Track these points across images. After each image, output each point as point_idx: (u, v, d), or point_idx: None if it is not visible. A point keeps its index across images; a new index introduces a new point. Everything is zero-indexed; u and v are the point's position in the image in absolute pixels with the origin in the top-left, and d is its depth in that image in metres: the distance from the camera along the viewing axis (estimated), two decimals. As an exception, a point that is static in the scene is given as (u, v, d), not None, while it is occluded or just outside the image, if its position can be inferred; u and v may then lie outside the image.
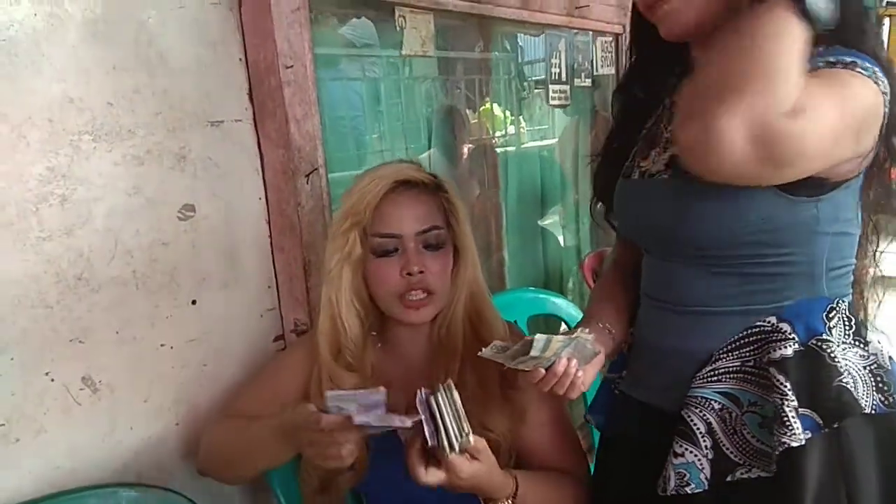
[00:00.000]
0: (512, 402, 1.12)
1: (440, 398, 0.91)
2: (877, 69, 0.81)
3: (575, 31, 2.30)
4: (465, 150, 2.22)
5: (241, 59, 1.31)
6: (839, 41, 0.84)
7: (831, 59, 0.80)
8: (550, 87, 2.29)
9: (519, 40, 2.30)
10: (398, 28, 1.64)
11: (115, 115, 1.14)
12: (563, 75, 2.33)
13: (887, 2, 8.00)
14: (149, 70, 1.19)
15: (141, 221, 1.18)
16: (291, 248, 1.34)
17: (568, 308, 1.92)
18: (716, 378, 0.91)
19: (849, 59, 0.80)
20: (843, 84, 0.78)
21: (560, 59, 2.30)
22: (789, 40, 0.72)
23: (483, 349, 0.98)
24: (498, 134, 2.33)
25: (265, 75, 1.29)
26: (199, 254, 1.26)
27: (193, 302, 1.26)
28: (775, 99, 0.69)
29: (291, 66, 1.28)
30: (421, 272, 1.10)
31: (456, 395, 0.91)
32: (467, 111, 2.20)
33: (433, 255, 1.12)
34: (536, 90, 2.37)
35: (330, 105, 1.66)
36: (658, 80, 1.04)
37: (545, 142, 2.68)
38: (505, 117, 2.36)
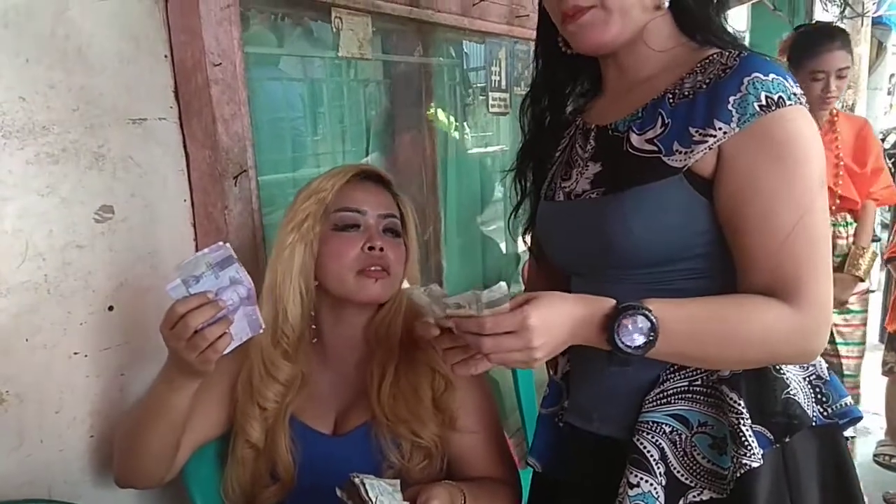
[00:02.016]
0: (443, 409, 1.11)
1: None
2: (787, 77, 0.81)
3: (515, 40, 2.31)
4: (413, 153, 2.20)
5: (166, 56, 1.27)
6: (708, 37, 0.88)
7: (753, 101, 0.79)
8: (491, 94, 2.29)
9: (464, 47, 2.31)
10: (334, 29, 1.61)
11: (28, 110, 1.08)
12: (504, 83, 2.33)
13: (816, 21, 8.38)
14: (66, 64, 1.13)
15: (54, 223, 1.12)
16: (217, 253, 1.29)
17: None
18: (665, 400, 0.89)
19: (774, 94, 0.79)
20: (798, 179, 0.79)
21: (500, 67, 2.31)
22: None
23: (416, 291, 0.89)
24: (449, 137, 2.33)
25: (192, 73, 1.25)
26: (118, 257, 1.21)
27: (110, 308, 1.20)
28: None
29: (220, 65, 1.24)
30: (382, 249, 1.11)
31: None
32: (418, 114, 2.18)
33: (391, 241, 1.14)
34: (481, 97, 2.37)
35: (267, 105, 1.62)
36: (564, 94, 1.04)
37: (490, 148, 2.68)
38: (449, 122, 2.36)
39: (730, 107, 0.80)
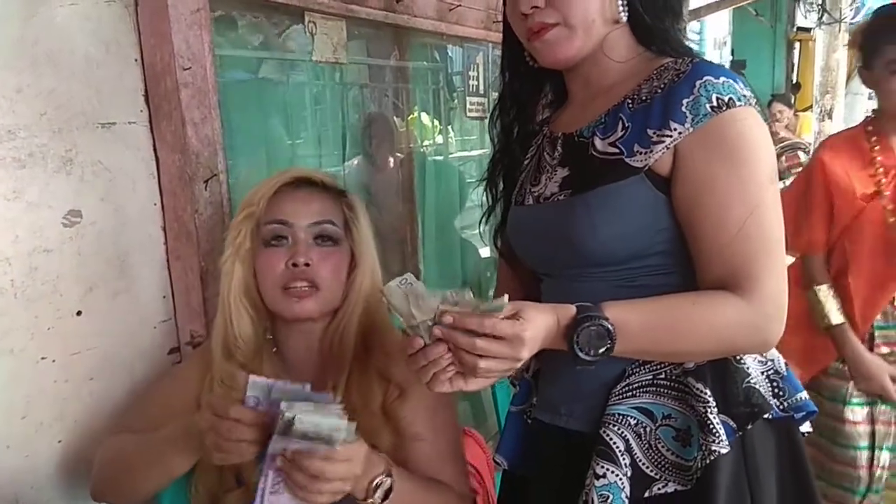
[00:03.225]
0: (392, 416, 1.10)
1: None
2: (737, 80, 0.85)
3: (493, 44, 2.32)
4: (391, 158, 2.21)
5: (136, 60, 1.27)
6: (663, 46, 0.92)
7: (705, 103, 0.83)
8: (468, 98, 2.30)
9: (448, 51, 2.31)
10: (308, 34, 1.61)
11: (-6, 115, 1.08)
12: (481, 88, 2.34)
13: (798, 27, 8.48)
14: (34, 69, 1.13)
15: (21, 227, 1.12)
16: (188, 257, 1.30)
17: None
18: (630, 393, 0.91)
19: (724, 96, 0.83)
20: (749, 177, 0.83)
21: (478, 72, 2.32)
22: None
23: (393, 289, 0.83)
24: (426, 143, 2.33)
25: (161, 77, 1.25)
26: (86, 262, 1.20)
27: (79, 313, 1.20)
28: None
29: (189, 68, 1.24)
30: (307, 264, 1.07)
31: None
32: (395, 119, 2.19)
33: (324, 250, 1.10)
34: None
35: (243, 108, 1.61)
36: (531, 105, 1.07)
37: (473, 152, 2.69)
38: (433, 126, 2.36)
39: (683, 108, 0.84)
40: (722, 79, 0.84)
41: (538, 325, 0.79)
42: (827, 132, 5.29)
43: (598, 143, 0.92)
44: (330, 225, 1.11)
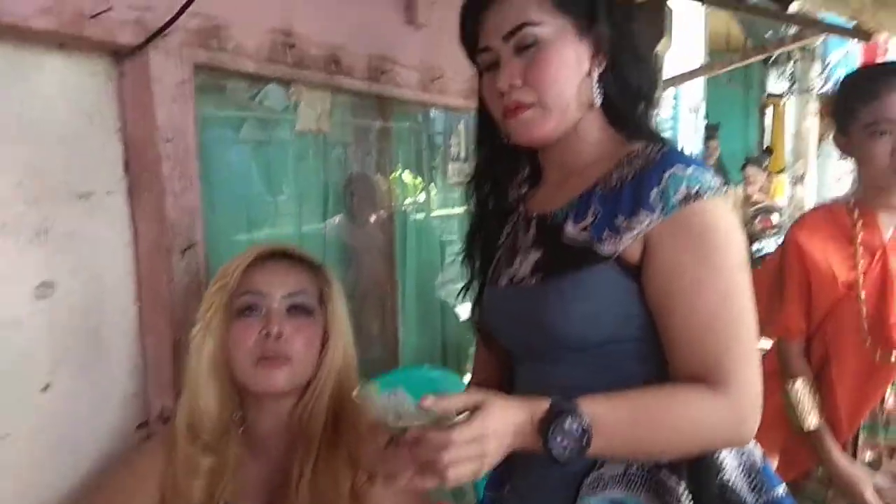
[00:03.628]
0: (364, 501, 1.06)
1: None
2: (704, 170, 0.86)
3: (474, 112, 2.35)
4: (373, 216, 2.21)
5: (118, 131, 1.26)
6: (635, 131, 0.95)
7: (673, 193, 0.84)
8: (450, 165, 2.32)
9: (431, 112, 2.34)
10: (291, 105, 1.63)
11: (-34, 185, 1.06)
12: (462, 154, 2.37)
13: (769, 93, 8.77)
14: (14, 139, 1.12)
15: (-10, 299, 1.09)
16: (162, 329, 1.27)
17: (462, 387, 1.90)
18: (601, 484, 0.90)
19: (693, 187, 0.84)
20: (719, 267, 0.84)
21: (460, 139, 2.35)
22: None
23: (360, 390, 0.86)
24: (408, 201, 2.34)
25: (143, 148, 1.25)
26: (57, 334, 1.18)
27: (46, 387, 1.16)
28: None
29: (171, 140, 1.24)
30: (280, 335, 1.06)
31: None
32: (378, 177, 2.20)
33: (298, 322, 1.09)
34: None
35: (223, 166, 1.60)
36: (506, 181, 1.08)
37: (456, 210, 2.68)
38: (415, 184, 2.37)
39: (653, 197, 0.85)
40: (691, 169, 0.86)
41: (505, 419, 0.77)
42: (800, 196, 5.42)
43: (569, 228, 0.93)
44: (304, 297, 1.11)
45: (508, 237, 1.06)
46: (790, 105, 5.55)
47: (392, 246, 2.21)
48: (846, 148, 1.53)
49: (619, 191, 0.89)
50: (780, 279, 1.58)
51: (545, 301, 0.91)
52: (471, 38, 0.97)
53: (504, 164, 1.07)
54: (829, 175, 7.46)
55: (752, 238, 5.99)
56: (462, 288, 1.13)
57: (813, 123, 5.50)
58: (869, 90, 1.45)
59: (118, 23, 1.15)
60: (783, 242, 1.62)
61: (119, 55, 1.23)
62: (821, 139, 6.65)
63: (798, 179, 5.41)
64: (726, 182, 8.25)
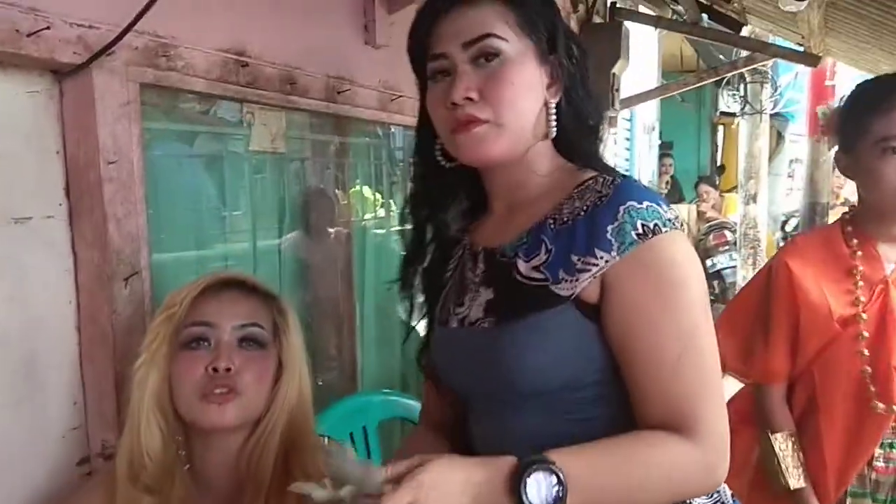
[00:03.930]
0: None
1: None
2: (661, 203, 0.84)
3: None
4: (331, 232, 2.16)
5: (58, 152, 1.20)
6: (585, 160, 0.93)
7: (630, 230, 0.81)
8: (408, 184, 2.29)
9: (391, 127, 2.30)
10: (245, 124, 1.58)
11: None
12: (422, 174, 2.34)
13: (721, 111, 9.00)
14: (-57, 160, 1.06)
15: (-87, 333, 1.02)
16: (103, 361, 1.21)
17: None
18: None
19: (649, 222, 0.81)
20: (680, 306, 0.81)
21: (418, 159, 2.32)
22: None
23: (299, 483, 0.82)
24: (367, 216, 2.29)
25: (84, 170, 1.19)
26: (-12, 368, 1.11)
27: (-27, 425, 1.09)
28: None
29: (115, 162, 1.19)
30: (228, 370, 1.00)
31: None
32: (337, 192, 2.15)
33: (249, 354, 1.04)
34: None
35: (173, 183, 1.54)
36: (445, 208, 1.00)
37: None
38: (375, 200, 2.34)
39: (609, 235, 0.82)
40: (646, 203, 0.83)
41: (449, 480, 0.73)
42: (752, 215, 5.54)
43: (521, 266, 0.88)
44: (257, 328, 1.06)
45: (454, 271, 1.00)
46: (742, 125, 5.68)
47: (350, 263, 2.16)
48: (850, 168, 1.36)
49: (573, 226, 0.85)
50: (763, 312, 1.40)
51: (500, 346, 0.86)
52: (421, 43, 0.91)
53: (443, 187, 1.00)
54: (779, 192, 7.69)
55: (706, 254, 6.12)
56: (406, 331, 1.08)
57: (764, 143, 5.65)
58: (883, 102, 1.28)
59: (58, 41, 1.09)
60: (770, 269, 1.42)
61: (60, 74, 1.17)
62: (771, 157, 6.84)
63: (751, 198, 5.54)
64: (681, 198, 8.47)
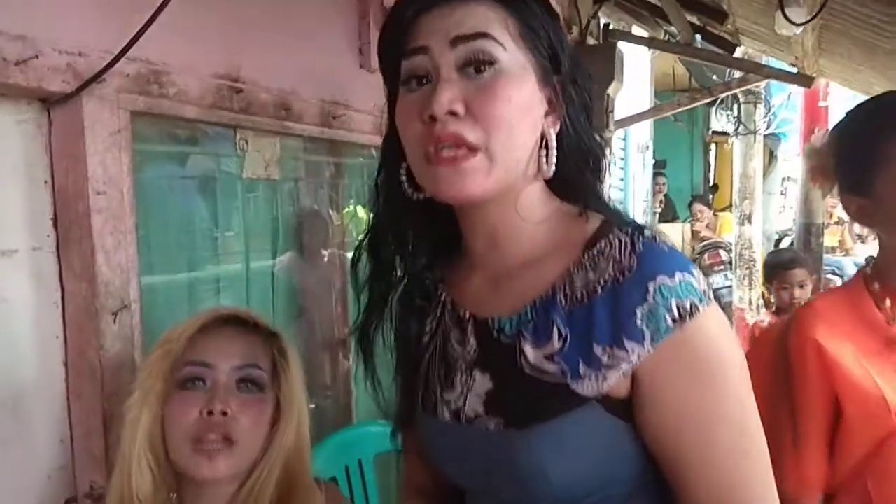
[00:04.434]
0: None
1: None
2: (692, 271, 0.69)
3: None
4: (324, 254, 2.12)
5: (46, 182, 1.17)
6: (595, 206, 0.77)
7: (664, 314, 0.67)
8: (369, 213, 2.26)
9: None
10: (239, 151, 1.55)
11: None
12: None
13: (713, 130, 9.05)
14: (-74, 192, 1.02)
15: None
16: (91, 397, 1.17)
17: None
18: None
19: (685, 301, 0.67)
20: (728, 397, 0.69)
21: (414, 182, 2.29)
22: None
23: None
24: (360, 236, 2.24)
25: (73, 201, 1.16)
26: (-29, 406, 1.07)
27: (-44, 467, 1.05)
28: None
29: (104, 193, 1.16)
30: (224, 413, 0.95)
31: None
32: (331, 212, 2.12)
33: (247, 398, 0.99)
34: None
35: (165, 204, 1.51)
36: (417, 242, 0.83)
37: None
38: (369, 220, 2.30)
39: (638, 322, 0.67)
40: (678, 277, 0.67)
41: None
42: (748, 235, 5.54)
43: (529, 352, 0.72)
44: (256, 370, 1.00)
45: (434, 338, 0.82)
46: (736, 146, 5.71)
47: (345, 286, 2.12)
48: (866, 213, 1.07)
49: (590, 307, 0.70)
50: (784, 402, 1.07)
51: (514, 455, 0.72)
52: (396, 39, 0.72)
53: (410, 220, 0.81)
54: (772, 210, 7.71)
55: (703, 273, 6.10)
56: (383, 411, 0.91)
57: (758, 164, 5.67)
58: None
59: (47, 69, 1.07)
60: (789, 348, 1.08)
61: (49, 102, 1.15)
62: (765, 176, 6.86)
63: (746, 218, 5.54)
64: (674, 217, 8.48)
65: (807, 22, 2.33)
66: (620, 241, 0.71)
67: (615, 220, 0.75)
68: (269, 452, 1.00)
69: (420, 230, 0.82)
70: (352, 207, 2.19)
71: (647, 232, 0.72)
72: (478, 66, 0.69)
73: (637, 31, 4.21)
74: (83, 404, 1.18)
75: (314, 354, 2.06)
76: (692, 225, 7.40)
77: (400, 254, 0.83)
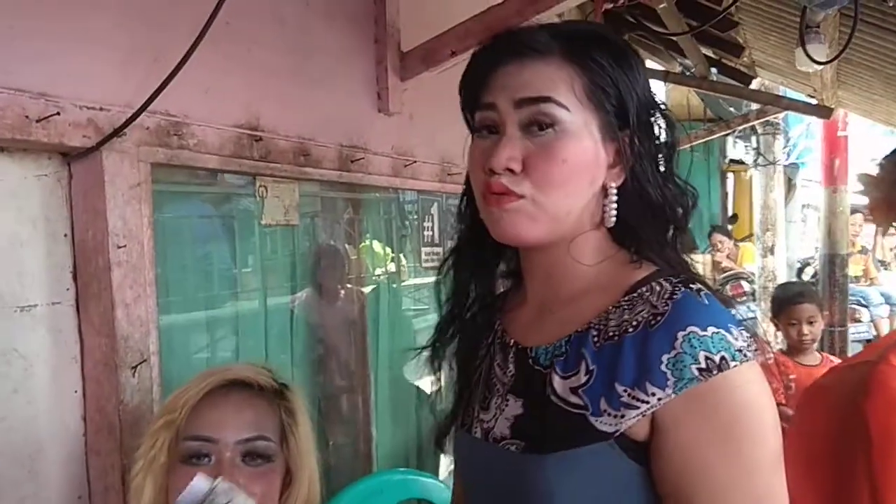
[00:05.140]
0: None
1: None
2: (729, 327, 0.68)
3: (447, 195, 2.32)
4: (342, 291, 2.10)
5: (66, 235, 1.17)
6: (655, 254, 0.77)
7: (690, 363, 0.66)
8: (423, 249, 2.26)
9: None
10: (258, 197, 1.55)
11: None
12: (436, 237, 2.31)
13: (730, 159, 9.00)
14: (-53, 250, 1.02)
15: (-89, 432, 0.97)
16: (109, 453, 1.15)
17: (440, 491, 1.78)
18: None
19: (714, 355, 0.66)
20: (753, 466, 0.66)
21: (433, 223, 2.29)
22: None
23: None
24: (378, 271, 2.24)
25: (93, 255, 1.15)
26: (-11, 465, 1.05)
27: (-28, 528, 1.03)
28: None
29: (124, 246, 1.15)
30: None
31: None
32: (347, 247, 2.11)
33: (254, 471, 0.94)
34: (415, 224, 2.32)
35: (183, 242, 1.50)
36: (491, 267, 0.89)
37: (427, 279, 2.57)
38: (385, 254, 2.29)
39: (663, 367, 0.67)
40: (710, 329, 0.67)
41: None
42: (771, 267, 5.46)
43: (557, 382, 0.74)
44: (262, 441, 0.95)
45: (483, 361, 0.86)
46: (756, 177, 5.66)
47: (364, 324, 2.10)
48: None
49: (618, 346, 0.71)
50: (857, 471, 0.93)
51: (526, 480, 0.74)
52: (473, 88, 0.79)
53: (490, 248, 0.85)
54: (792, 238, 7.62)
55: (724, 305, 6.00)
56: (442, 426, 0.92)
57: (779, 195, 5.61)
58: None
59: (68, 125, 1.07)
60: (863, 406, 0.94)
61: (69, 156, 1.15)
62: (785, 204, 6.79)
63: (768, 250, 5.46)
64: (693, 247, 8.39)
65: (829, 62, 2.30)
66: (661, 288, 0.72)
67: (669, 270, 0.75)
68: None
69: (494, 258, 0.88)
70: (368, 242, 2.19)
71: (694, 286, 0.72)
72: (539, 126, 0.73)
73: (651, 64, 4.22)
74: (101, 460, 1.16)
75: (333, 397, 2.03)
76: (713, 256, 7.31)
77: (476, 278, 0.88)
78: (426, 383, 2.51)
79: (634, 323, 0.71)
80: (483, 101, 0.77)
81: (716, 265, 7.11)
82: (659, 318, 0.69)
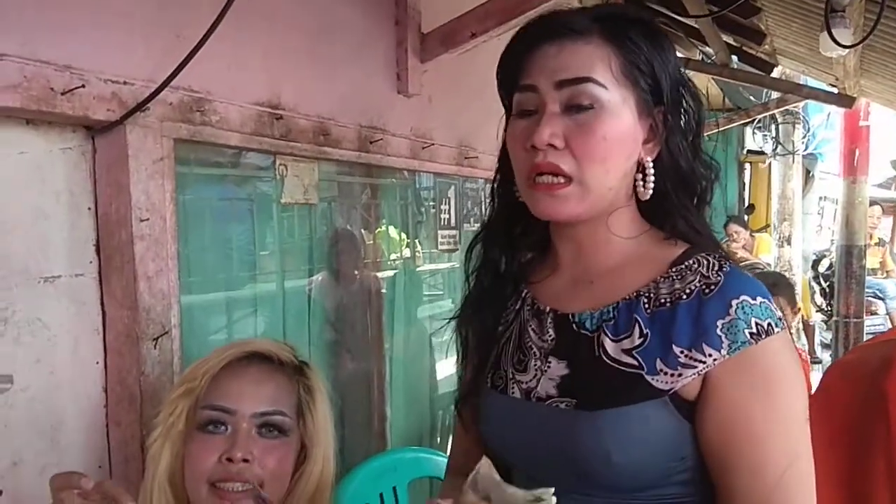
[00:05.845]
0: None
1: None
2: (771, 299, 0.75)
3: (464, 178, 2.32)
4: (357, 274, 2.11)
5: (90, 209, 1.19)
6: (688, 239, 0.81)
7: (743, 328, 0.72)
8: (440, 231, 2.26)
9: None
10: (278, 177, 1.56)
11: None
12: (453, 221, 2.31)
13: (748, 150, 8.91)
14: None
15: (-62, 398, 0.99)
16: (130, 424, 1.17)
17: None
18: None
19: (763, 321, 0.73)
20: (788, 419, 0.73)
21: (450, 206, 2.29)
22: None
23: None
24: (393, 256, 2.25)
25: (116, 228, 1.17)
26: (13, 433, 1.07)
27: (-2, 493, 1.05)
28: None
29: (147, 220, 1.17)
30: (246, 461, 0.91)
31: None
32: (364, 231, 2.12)
33: (269, 442, 0.95)
34: (433, 210, 2.32)
35: (203, 224, 1.51)
36: (520, 242, 0.92)
37: (442, 265, 2.58)
38: (400, 239, 2.30)
39: (719, 331, 0.73)
40: (759, 299, 0.74)
41: None
42: (787, 257, 5.42)
43: (609, 345, 0.78)
44: (279, 416, 0.96)
45: (511, 328, 0.89)
46: (775, 167, 5.60)
47: (381, 306, 2.11)
48: None
49: (672, 311, 0.76)
50: (875, 449, 0.94)
51: (580, 436, 0.76)
52: (512, 69, 0.81)
53: (520, 226, 0.90)
54: (809, 230, 7.54)
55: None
56: (460, 390, 0.96)
57: (797, 185, 5.56)
58: None
59: (93, 98, 1.08)
60: (884, 387, 0.95)
61: (93, 130, 1.16)
62: (803, 196, 6.73)
63: (785, 240, 5.42)
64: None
65: (856, 45, 2.27)
66: (708, 262, 0.78)
67: (703, 247, 0.80)
68: (294, 492, 0.97)
69: (524, 232, 0.91)
70: (384, 227, 2.19)
71: (731, 262, 0.78)
72: (580, 106, 0.77)
73: (672, 51, 4.17)
74: (122, 431, 1.18)
75: (348, 377, 2.05)
76: (728, 246, 7.26)
77: (505, 251, 0.92)
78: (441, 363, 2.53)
79: (687, 291, 0.76)
80: (522, 82, 0.80)
81: (731, 255, 7.06)
82: (713, 286, 0.75)
